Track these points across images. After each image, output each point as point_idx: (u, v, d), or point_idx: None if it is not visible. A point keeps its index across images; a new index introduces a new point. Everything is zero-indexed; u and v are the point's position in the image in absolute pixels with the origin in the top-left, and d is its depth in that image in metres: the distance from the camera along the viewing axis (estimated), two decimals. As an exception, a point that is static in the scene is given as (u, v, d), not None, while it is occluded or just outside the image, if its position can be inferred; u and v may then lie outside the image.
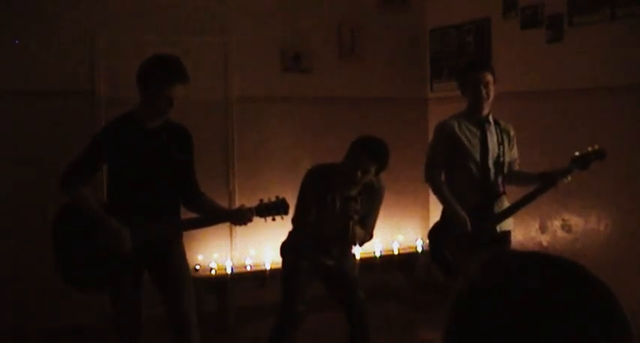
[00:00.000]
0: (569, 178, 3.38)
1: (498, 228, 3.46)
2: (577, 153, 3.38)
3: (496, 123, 3.53)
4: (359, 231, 3.31)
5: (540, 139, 4.50)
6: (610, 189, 4.13)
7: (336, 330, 4.22)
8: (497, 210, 3.46)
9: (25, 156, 4.36)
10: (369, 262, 5.20)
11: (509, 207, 3.46)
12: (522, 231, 4.76)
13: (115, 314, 3.19)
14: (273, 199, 3.12)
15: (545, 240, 4.57)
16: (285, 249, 3.47)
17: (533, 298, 0.76)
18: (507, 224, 3.51)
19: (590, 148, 3.39)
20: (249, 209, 3.08)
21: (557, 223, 4.48)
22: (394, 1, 5.51)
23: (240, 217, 3.07)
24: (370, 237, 3.43)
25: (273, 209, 3.12)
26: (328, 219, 3.30)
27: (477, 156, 3.42)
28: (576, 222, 4.36)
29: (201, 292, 4.31)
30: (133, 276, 3.12)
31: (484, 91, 3.40)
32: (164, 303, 3.17)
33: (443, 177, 3.52)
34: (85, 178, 3.06)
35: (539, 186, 3.39)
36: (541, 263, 0.81)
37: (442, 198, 3.46)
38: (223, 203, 4.92)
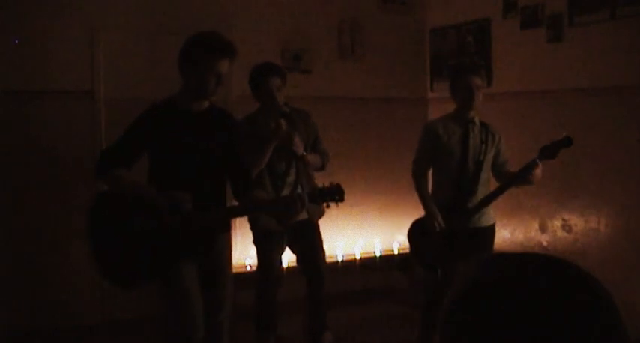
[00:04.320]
0: (540, 168, 3.49)
1: (472, 224, 3.64)
2: (546, 143, 3.52)
3: (483, 125, 3.74)
4: (312, 157, 3.82)
5: (540, 139, 4.50)
6: (610, 189, 4.13)
7: (337, 330, 4.22)
8: (470, 206, 3.65)
9: (25, 156, 4.36)
10: (368, 262, 5.20)
11: (479, 202, 3.65)
12: (522, 231, 4.76)
13: (169, 307, 2.91)
14: (328, 184, 2.94)
15: (545, 240, 4.57)
16: (251, 222, 3.89)
17: (531, 298, 0.76)
18: (485, 220, 3.69)
19: (557, 138, 3.52)
20: (301, 195, 2.85)
21: (557, 223, 4.48)
22: (394, 1, 5.51)
23: (292, 205, 2.79)
24: (328, 156, 3.95)
25: (328, 195, 2.91)
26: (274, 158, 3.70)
27: (458, 155, 3.65)
28: (576, 222, 4.35)
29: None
30: (187, 263, 2.89)
31: (475, 95, 3.59)
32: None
33: (430, 174, 3.79)
34: (123, 162, 2.83)
35: (508, 181, 3.59)
36: (539, 263, 0.81)
37: (420, 196, 3.72)
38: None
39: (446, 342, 0.80)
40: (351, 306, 4.89)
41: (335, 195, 2.92)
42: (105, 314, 4.48)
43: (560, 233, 4.47)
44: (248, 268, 4.89)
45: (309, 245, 3.94)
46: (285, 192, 3.75)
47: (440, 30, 5.46)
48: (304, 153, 3.74)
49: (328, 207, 2.99)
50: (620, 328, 0.76)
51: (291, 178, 3.82)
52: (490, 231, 3.75)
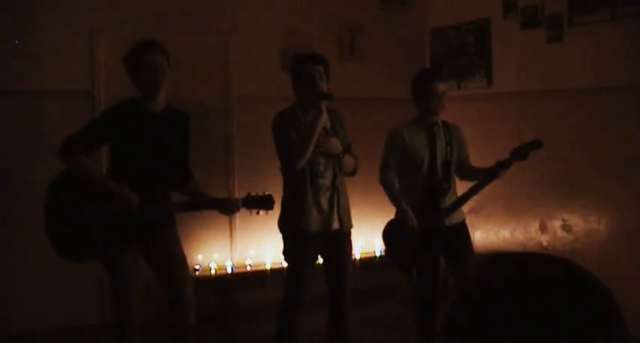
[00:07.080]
0: (509, 168, 3.58)
1: (447, 222, 3.68)
2: (516, 145, 3.59)
3: (445, 125, 3.76)
4: (348, 158, 3.52)
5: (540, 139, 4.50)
6: (610, 188, 4.13)
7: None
8: (443, 206, 3.68)
9: (25, 156, 4.36)
10: (369, 262, 5.20)
11: (454, 202, 3.70)
12: (522, 231, 4.76)
13: (111, 280, 3.32)
14: (261, 193, 3.26)
15: (545, 240, 4.57)
16: (286, 223, 3.52)
17: (531, 298, 0.76)
18: (457, 216, 3.73)
19: (528, 140, 3.60)
20: (236, 200, 3.29)
21: (557, 223, 4.48)
22: (394, 1, 5.51)
23: (227, 207, 3.27)
24: (358, 161, 3.62)
25: (259, 203, 3.25)
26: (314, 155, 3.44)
27: (426, 159, 3.67)
28: (576, 222, 4.35)
29: (201, 292, 4.30)
30: (130, 247, 3.23)
31: (442, 102, 3.63)
32: (158, 282, 3.37)
33: (396, 179, 3.75)
34: (85, 150, 3.16)
35: (482, 179, 3.62)
36: (540, 263, 0.81)
37: (393, 200, 3.70)
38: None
39: (447, 342, 0.80)
40: (351, 306, 4.88)
41: (266, 204, 3.25)
42: (105, 314, 4.48)
43: (560, 233, 4.46)
44: (248, 268, 4.90)
45: (338, 262, 3.57)
46: (324, 197, 3.45)
47: (440, 30, 5.46)
48: (341, 156, 3.45)
49: (258, 214, 3.25)
50: (621, 327, 0.76)
51: (327, 181, 3.47)
52: (464, 226, 3.79)
